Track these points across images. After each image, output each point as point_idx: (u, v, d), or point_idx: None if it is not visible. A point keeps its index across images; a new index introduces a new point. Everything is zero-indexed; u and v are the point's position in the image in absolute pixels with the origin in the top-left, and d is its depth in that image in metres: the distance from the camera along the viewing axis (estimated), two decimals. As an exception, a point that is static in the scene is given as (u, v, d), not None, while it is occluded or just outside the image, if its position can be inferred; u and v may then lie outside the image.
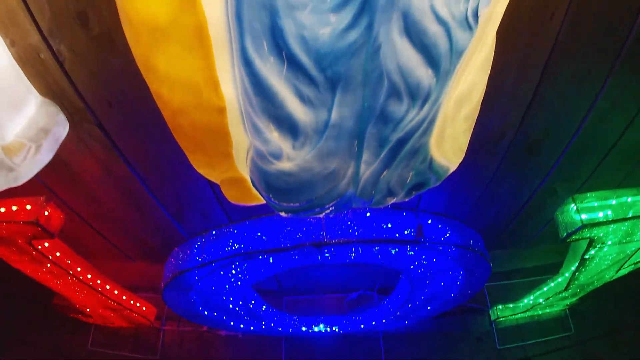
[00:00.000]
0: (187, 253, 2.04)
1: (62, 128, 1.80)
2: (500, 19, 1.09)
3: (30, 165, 1.79)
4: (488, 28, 1.04)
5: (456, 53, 0.95)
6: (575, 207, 1.85)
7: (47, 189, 2.25)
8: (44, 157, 1.79)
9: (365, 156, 1.09)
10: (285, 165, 1.09)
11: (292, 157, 1.05)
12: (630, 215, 2.07)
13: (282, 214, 1.25)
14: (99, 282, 2.79)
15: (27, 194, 2.21)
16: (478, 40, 1.01)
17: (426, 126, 1.07)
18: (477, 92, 1.14)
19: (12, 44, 1.66)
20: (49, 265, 2.57)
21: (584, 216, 1.87)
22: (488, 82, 1.26)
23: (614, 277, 2.66)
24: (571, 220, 1.87)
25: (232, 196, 1.39)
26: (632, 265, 2.58)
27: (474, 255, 2.05)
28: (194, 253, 1.99)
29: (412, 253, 1.99)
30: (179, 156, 1.55)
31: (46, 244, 2.43)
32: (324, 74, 0.87)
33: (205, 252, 1.93)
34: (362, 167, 1.12)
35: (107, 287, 2.87)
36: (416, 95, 0.96)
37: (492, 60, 1.16)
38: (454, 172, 1.44)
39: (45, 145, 1.77)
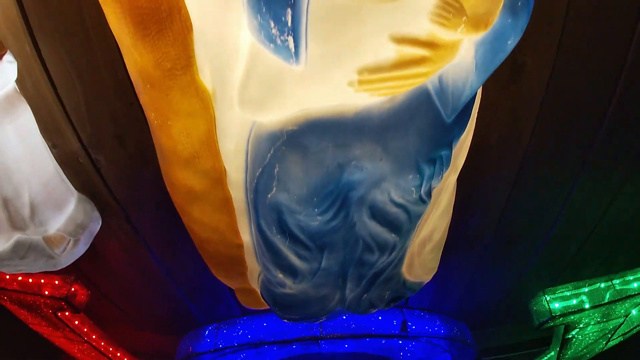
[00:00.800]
0: (200, 337, 2.54)
1: (96, 223, 2.32)
2: (455, 181, 1.60)
3: (68, 256, 2.30)
4: (443, 192, 1.55)
5: (414, 218, 1.45)
6: (547, 298, 2.32)
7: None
8: (81, 249, 2.30)
9: (348, 285, 1.59)
10: (287, 290, 1.59)
11: (292, 287, 1.55)
12: (607, 299, 2.53)
13: (285, 320, 1.76)
14: (110, 349, 3.28)
15: (52, 266, 2.72)
16: (434, 202, 1.52)
17: (396, 263, 1.57)
18: (438, 234, 1.63)
19: (54, 146, 2.09)
20: (66, 330, 3.07)
21: (556, 305, 2.33)
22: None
23: (605, 349, 3.08)
24: (543, 310, 2.33)
25: (245, 301, 1.89)
26: (621, 337, 2.99)
27: (459, 343, 2.54)
28: (206, 336, 2.49)
29: (401, 342, 2.48)
30: (198, 252, 2.04)
31: (67, 313, 2.94)
32: (315, 243, 1.37)
33: (218, 339, 2.44)
34: (347, 291, 1.62)
35: (118, 354, 3.36)
36: (384, 249, 1.46)
37: (452, 209, 1.65)
38: (439, 270, 1.93)
39: (82, 239, 2.29)
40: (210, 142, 1.30)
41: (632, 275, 2.58)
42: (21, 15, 1.82)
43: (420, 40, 0.94)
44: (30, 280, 2.82)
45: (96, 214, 2.32)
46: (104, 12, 1.24)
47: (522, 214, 2.31)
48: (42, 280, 2.77)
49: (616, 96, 1.94)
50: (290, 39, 0.88)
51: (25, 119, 1.87)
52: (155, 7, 1.12)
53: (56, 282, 2.71)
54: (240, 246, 1.59)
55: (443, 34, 0.96)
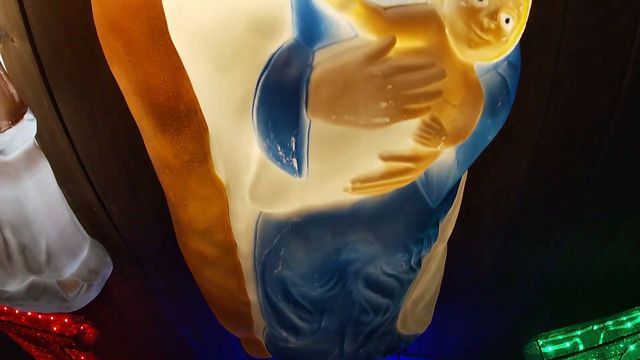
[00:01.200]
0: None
1: (108, 269, 2.54)
2: (445, 247, 1.83)
3: (81, 299, 2.53)
4: (433, 259, 1.78)
5: (406, 284, 1.68)
6: (539, 342, 2.53)
7: (80, 302, 2.99)
8: (93, 293, 2.53)
9: (346, 341, 1.82)
10: (290, 345, 1.82)
11: (295, 343, 1.79)
12: (601, 341, 2.74)
13: (288, 370, 1.99)
14: (111, 384, 3.52)
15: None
16: (424, 268, 1.75)
17: (390, 321, 1.80)
18: (429, 293, 1.86)
19: (69, 194, 2.27)
20: (72, 364, 3.31)
21: (549, 348, 2.54)
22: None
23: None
24: (535, 354, 2.55)
25: (249, 350, 2.12)
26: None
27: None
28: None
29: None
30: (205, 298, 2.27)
31: (74, 349, 3.17)
32: (315, 308, 1.61)
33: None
34: (345, 346, 1.85)
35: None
36: (379, 311, 1.70)
37: (442, 270, 1.88)
38: (436, 315, 2.15)
39: (95, 284, 2.52)
40: (223, 220, 1.54)
41: (625, 315, 2.79)
42: (40, 72, 2.03)
43: (405, 156, 1.17)
44: (40, 316, 3.04)
45: (108, 260, 2.54)
46: (126, 101, 1.46)
47: (515, 264, 2.53)
48: (52, 318, 3.00)
49: (602, 154, 2.15)
50: (294, 160, 1.12)
51: (44, 174, 2.03)
52: (174, 107, 1.32)
53: (65, 320, 2.94)
54: (247, 304, 1.82)
55: (426, 149, 1.19)
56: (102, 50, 1.34)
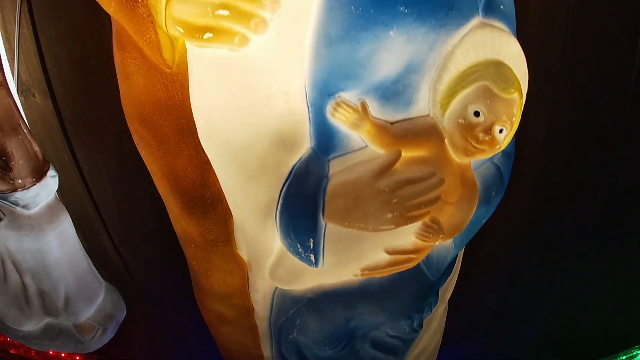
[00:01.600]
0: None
1: (122, 313, 2.81)
2: (446, 306, 2.10)
3: (97, 342, 2.79)
4: (433, 319, 2.05)
5: (408, 342, 1.95)
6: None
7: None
8: (108, 336, 2.79)
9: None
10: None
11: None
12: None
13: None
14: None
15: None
16: (426, 328, 2.02)
17: (394, 374, 2.07)
18: (431, 347, 2.13)
19: (85, 239, 2.50)
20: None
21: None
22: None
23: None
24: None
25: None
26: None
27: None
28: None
29: None
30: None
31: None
32: (326, 367, 1.88)
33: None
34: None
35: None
36: (384, 366, 1.97)
37: (443, 326, 2.15)
38: (441, 350, 2.43)
39: (110, 328, 2.78)
40: (242, 289, 1.80)
41: (624, 355, 3.05)
42: (60, 127, 2.29)
43: (407, 250, 1.44)
44: (51, 352, 3.29)
45: (122, 304, 2.79)
46: (154, 181, 1.71)
47: (517, 306, 2.80)
48: (62, 355, 3.26)
49: (598, 204, 2.42)
50: (312, 256, 1.39)
51: (65, 226, 2.23)
52: (200, 194, 1.52)
53: (77, 358, 3.21)
54: (261, 357, 2.09)
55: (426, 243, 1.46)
56: (121, 108, 1.52)
